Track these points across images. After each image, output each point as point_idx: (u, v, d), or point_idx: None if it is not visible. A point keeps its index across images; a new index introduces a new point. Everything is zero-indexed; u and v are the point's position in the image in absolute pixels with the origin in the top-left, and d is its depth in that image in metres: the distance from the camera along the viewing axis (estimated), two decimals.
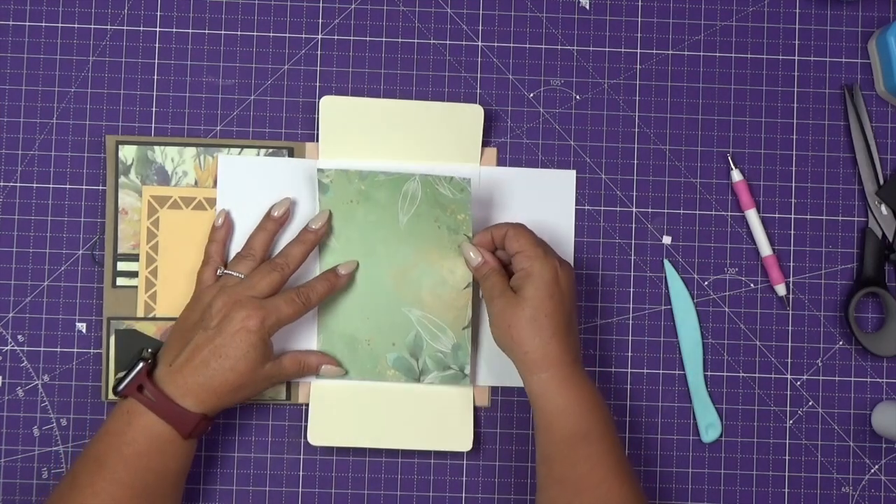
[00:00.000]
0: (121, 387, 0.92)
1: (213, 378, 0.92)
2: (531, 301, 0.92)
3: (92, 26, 1.03)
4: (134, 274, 1.01)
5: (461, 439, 1.00)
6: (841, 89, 1.05)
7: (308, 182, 1.01)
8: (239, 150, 1.02)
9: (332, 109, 1.01)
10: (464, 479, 1.02)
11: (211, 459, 1.01)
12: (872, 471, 1.03)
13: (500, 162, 1.03)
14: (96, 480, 0.90)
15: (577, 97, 1.04)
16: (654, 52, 1.04)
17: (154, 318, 1.01)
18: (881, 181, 1.03)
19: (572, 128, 1.04)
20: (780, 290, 1.03)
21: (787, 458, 1.03)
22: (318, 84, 1.04)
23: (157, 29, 1.03)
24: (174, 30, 1.03)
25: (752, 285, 1.04)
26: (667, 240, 1.04)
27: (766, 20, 1.05)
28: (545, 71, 1.04)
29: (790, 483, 1.03)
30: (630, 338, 1.03)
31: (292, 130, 1.03)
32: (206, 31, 1.03)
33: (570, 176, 1.03)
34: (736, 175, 1.03)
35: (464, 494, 1.02)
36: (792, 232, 1.04)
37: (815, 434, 1.03)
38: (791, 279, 1.04)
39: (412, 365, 1.01)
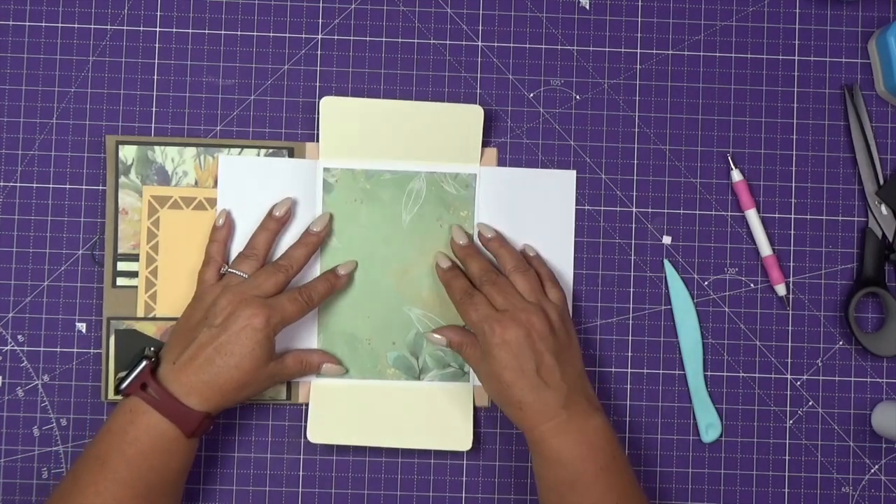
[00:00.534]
0: (123, 385, 0.92)
1: (218, 376, 0.92)
2: (506, 366, 0.92)
3: (92, 26, 1.03)
4: (134, 274, 1.01)
5: (461, 439, 1.00)
6: (841, 89, 1.05)
7: (308, 182, 1.01)
8: (239, 150, 1.02)
9: (333, 109, 1.01)
10: (464, 479, 1.02)
11: (211, 459, 1.01)
12: (872, 471, 1.03)
13: (500, 162, 1.03)
14: (98, 479, 0.90)
15: (577, 97, 1.04)
16: (654, 52, 1.04)
17: (154, 319, 1.01)
18: (881, 181, 1.03)
19: (572, 128, 1.04)
20: (780, 290, 1.03)
21: (787, 458, 1.03)
22: (318, 84, 1.04)
23: (157, 29, 1.03)
24: (174, 30, 1.03)
25: (752, 285, 1.04)
26: (667, 240, 1.04)
27: (766, 20, 1.05)
28: (545, 71, 1.04)
29: (790, 483, 1.03)
30: (630, 338, 1.03)
31: (292, 130, 1.03)
32: (206, 31, 1.03)
33: (570, 176, 1.03)
34: (736, 175, 1.03)
35: (464, 494, 1.02)
36: (792, 232, 1.04)
37: (815, 434, 1.03)
38: (791, 279, 1.04)
39: (412, 363, 1.01)
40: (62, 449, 1.01)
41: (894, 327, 1.02)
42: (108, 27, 1.03)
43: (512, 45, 1.04)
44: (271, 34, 1.04)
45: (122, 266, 1.01)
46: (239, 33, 1.03)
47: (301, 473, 1.02)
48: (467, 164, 1.02)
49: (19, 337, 1.01)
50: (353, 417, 1.00)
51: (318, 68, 1.04)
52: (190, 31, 1.03)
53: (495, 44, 1.04)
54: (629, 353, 1.03)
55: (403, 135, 1.02)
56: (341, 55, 1.04)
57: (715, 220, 1.04)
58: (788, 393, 1.03)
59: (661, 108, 1.04)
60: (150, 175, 1.01)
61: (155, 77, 1.03)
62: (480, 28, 1.04)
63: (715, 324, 1.03)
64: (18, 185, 1.02)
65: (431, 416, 1.01)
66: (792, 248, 1.04)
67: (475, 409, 1.02)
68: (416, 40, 1.04)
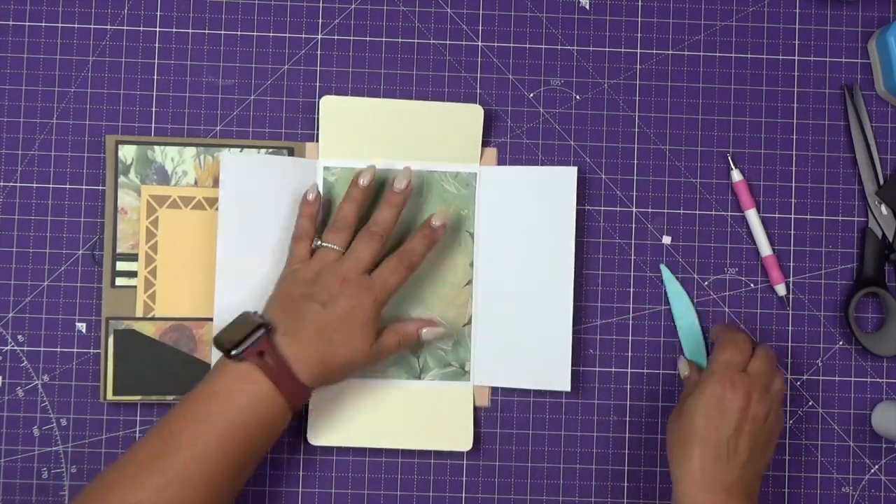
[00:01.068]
0: (239, 349, 0.90)
1: (327, 352, 0.92)
2: (707, 415, 0.92)
3: (92, 26, 1.03)
4: (133, 274, 1.01)
5: (461, 439, 1.00)
6: (841, 89, 1.05)
7: (310, 180, 1.01)
8: (239, 150, 1.02)
9: (332, 109, 1.01)
10: (464, 479, 1.02)
11: None
12: (872, 471, 1.03)
13: (500, 162, 1.03)
14: (198, 442, 0.88)
15: (577, 97, 1.04)
16: (654, 52, 1.04)
17: (153, 319, 1.00)
18: (881, 181, 1.03)
19: (572, 128, 1.04)
20: (780, 290, 1.03)
21: (787, 458, 1.03)
22: (318, 84, 1.04)
23: (157, 29, 1.03)
24: (174, 30, 1.03)
25: (752, 285, 1.04)
26: (667, 240, 1.04)
27: (766, 20, 1.05)
28: (545, 71, 1.04)
29: (790, 483, 1.03)
30: (630, 338, 1.03)
31: (292, 130, 1.03)
32: (206, 31, 1.03)
33: (570, 173, 1.02)
34: (736, 175, 1.03)
35: (464, 494, 1.02)
36: (792, 232, 1.04)
37: (815, 434, 1.03)
38: (791, 279, 1.04)
39: (413, 362, 1.01)
40: (62, 449, 1.01)
41: (894, 327, 1.02)
42: (108, 27, 1.03)
43: (512, 45, 1.04)
44: (271, 34, 1.04)
45: (121, 266, 1.01)
46: (239, 33, 1.03)
47: (301, 473, 1.02)
48: (467, 164, 1.02)
49: (19, 337, 1.01)
50: (353, 417, 1.00)
51: (318, 68, 1.04)
52: (190, 31, 1.03)
53: (495, 44, 1.04)
54: (629, 353, 1.03)
55: (403, 134, 1.02)
56: (341, 55, 1.04)
57: (715, 220, 1.04)
58: (788, 393, 1.03)
59: (661, 108, 1.04)
60: (150, 175, 1.01)
61: (155, 77, 1.03)
62: (480, 28, 1.04)
63: (715, 324, 1.03)
64: (18, 185, 1.02)
65: (431, 416, 1.00)
66: (792, 248, 1.04)
67: (475, 409, 1.02)
68: (416, 40, 1.04)
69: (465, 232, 1.01)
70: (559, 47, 1.04)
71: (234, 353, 0.90)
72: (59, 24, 1.03)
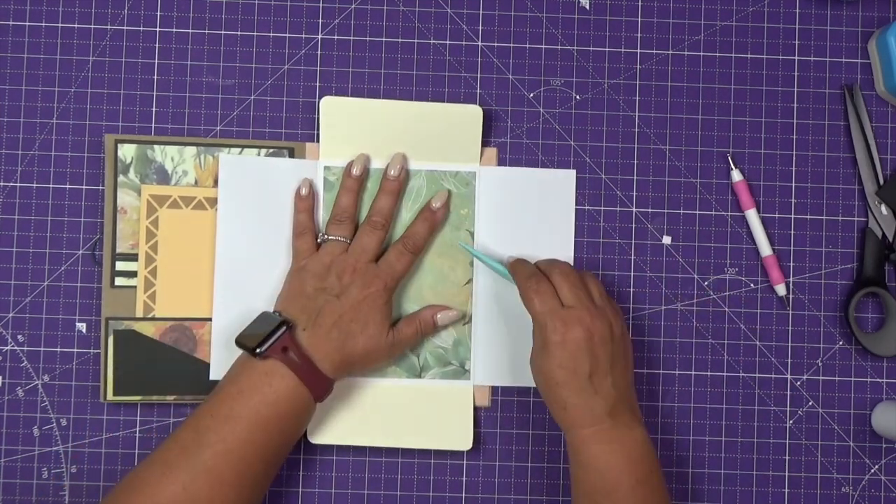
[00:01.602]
0: (264, 347, 0.92)
1: (346, 343, 0.93)
2: (560, 365, 0.91)
3: (92, 26, 1.03)
4: (133, 274, 1.01)
5: (461, 439, 1.00)
6: (841, 89, 1.05)
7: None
8: (239, 150, 1.02)
9: (333, 109, 1.01)
10: (464, 479, 1.02)
11: None
12: (872, 471, 1.03)
13: (500, 162, 1.03)
14: (228, 438, 0.89)
15: (577, 97, 1.04)
16: (654, 52, 1.05)
17: (153, 319, 1.00)
18: (881, 181, 1.03)
19: (572, 128, 1.04)
20: (780, 290, 1.03)
21: (787, 458, 1.03)
22: (318, 84, 1.04)
23: (157, 29, 1.03)
24: (174, 30, 1.03)
25: (752, 285, 1.04)
26: (667, 240, 1.04)
27: (766, 20, 1.05)
28: (545, 71, 1.04)
29: (790, 483, 1.03)
30: (630, 338, 1.03)
31: (292, 130, 1.03)
32: (206, 31, 1.03)
33: (570, 175, 1.03)
34: (736, 175, 1.03)
35: (464, 494, 1.02)
36: (792, 232, 1.04)
37: (815, 434, 1.03)
38: (791, 279, 1.04)
39: (413, 361, 1.01)
40: (62, 449, 1.01)
41: (894, 327, 1.02)
42: (108, 27, 1.03)
43: (512, 45, 1.04)
44: (271, 34, 1.04)
45: (120, 266, 1.01)
46: (239, 33, 1.03)
47: (301, 474, 1.02)
48: (467, 164, 1.02)
49: (19, 337, 1.01)
50: (352, 417, 1.00)
51: (318, 68, 1.04)
52: (190, 31, 1.03)
53: (495, 44, 1.04)
54: None
55: (403, 135, 1.02)
56: (341, 55, 1.04)
57: (715, 220, 1.04)
58: (788, 393, 1.03)
59: (661, 108, 1.04)
60: (150, 174, 1.01)
61: (155, 77, 1.03)
62: (480, 28, 1.04)
63: (715, 324, 1.03)
64: (18, 185, 1.02)
65: (431, 415, 1.00)
66: (792, 248, 1.04)
67: (475, 408, 1.02)
68: (416, 40, 1.04)
69: (465, 231, 1.01)
70: (559, 47, 1.04)
71: (259, 350, 0.92)
72: (59, 24, 1.03)
